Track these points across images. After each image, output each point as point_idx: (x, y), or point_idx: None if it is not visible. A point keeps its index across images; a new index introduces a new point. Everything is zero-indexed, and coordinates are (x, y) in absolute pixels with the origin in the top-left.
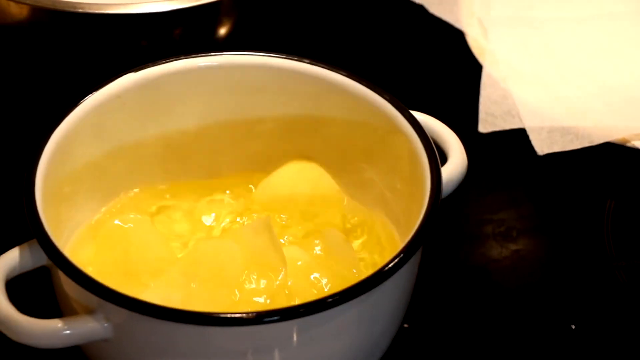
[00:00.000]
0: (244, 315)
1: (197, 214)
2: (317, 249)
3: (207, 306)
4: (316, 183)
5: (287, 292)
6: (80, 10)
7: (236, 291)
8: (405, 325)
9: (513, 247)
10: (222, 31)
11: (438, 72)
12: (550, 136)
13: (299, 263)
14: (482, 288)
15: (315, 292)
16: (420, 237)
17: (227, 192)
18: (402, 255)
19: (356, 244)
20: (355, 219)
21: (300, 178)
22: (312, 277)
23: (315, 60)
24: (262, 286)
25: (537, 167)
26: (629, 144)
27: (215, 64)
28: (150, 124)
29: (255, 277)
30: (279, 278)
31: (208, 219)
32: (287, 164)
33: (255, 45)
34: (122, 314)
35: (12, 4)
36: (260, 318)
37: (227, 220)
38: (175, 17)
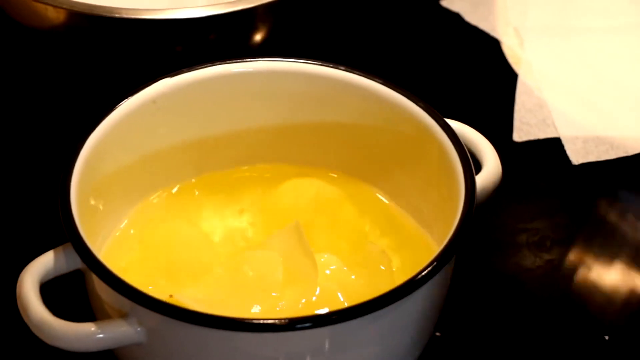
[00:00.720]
0: (276, 321)
1: (229, 215)
2: (351, 257)
3: (242, 313)
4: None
5: (318, 298)
6: (116, 15)
7: (272, 297)
8: (438, 334)
9: (547, 256)
10: (257, 37)
11: (473, 80)
12: (585, 146)
13: (332, 268)
14: (515, 297)
15: (348, 299)
16: (454, 245)
17: (258, 197)
18: (435, 263)
19: (388, 250)
20: (387, 226)
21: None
22: (344, 283)
23: (350, 67)
24: (295, 292)
25: (571, 177)
26: None
27: (250, 70)
28: (184, 128)
29: (288, 283)
30: (311, 283)
31: (241, 220)
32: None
33: (290, 52)
34: (155, 318)
35: (49, 8)
36: (292, 324)
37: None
38: (210, 23)
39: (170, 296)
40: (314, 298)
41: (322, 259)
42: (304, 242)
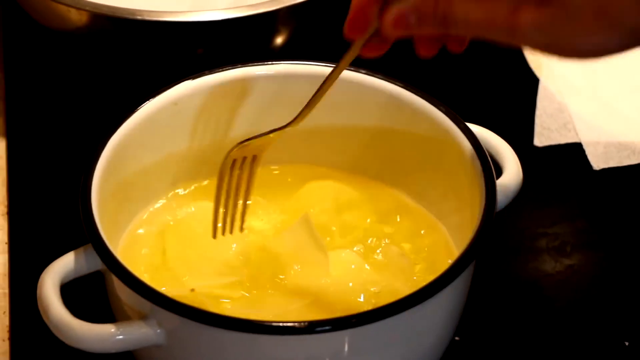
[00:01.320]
0: (296, 324)
1: (249, 215)
2: (371, 259)
3: (261, 307)
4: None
5: (338, 298)
6: (139, 17)
7: (290, 292)
8: (457, 338)
9: (567, 261)
10: (278, 40)
11: (495, 85)
12: (606, 151)
13: (352, 267)
14: (535, 302)
15: (366, 298)
16: (474, 249)
17: (278, 199)
18: (455, 267)
19: (409, 253)
20: (407, 229)
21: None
22: (363, 282)
23: (372, 71)
24: (309, 285)
25: (592, 182)
26: None
27: (271, 72)
28: (204, 130)
29: (302, 276)
30: (324, 274)
31: (260, 220)
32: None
33: (311, 55)
34: (175, 320)
35: (72, 10)
36: (312, 327)
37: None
38: (232, 25)
39: (192, 290)
40: (324, 299)
41: (345, 256)
42: (315, 234)
